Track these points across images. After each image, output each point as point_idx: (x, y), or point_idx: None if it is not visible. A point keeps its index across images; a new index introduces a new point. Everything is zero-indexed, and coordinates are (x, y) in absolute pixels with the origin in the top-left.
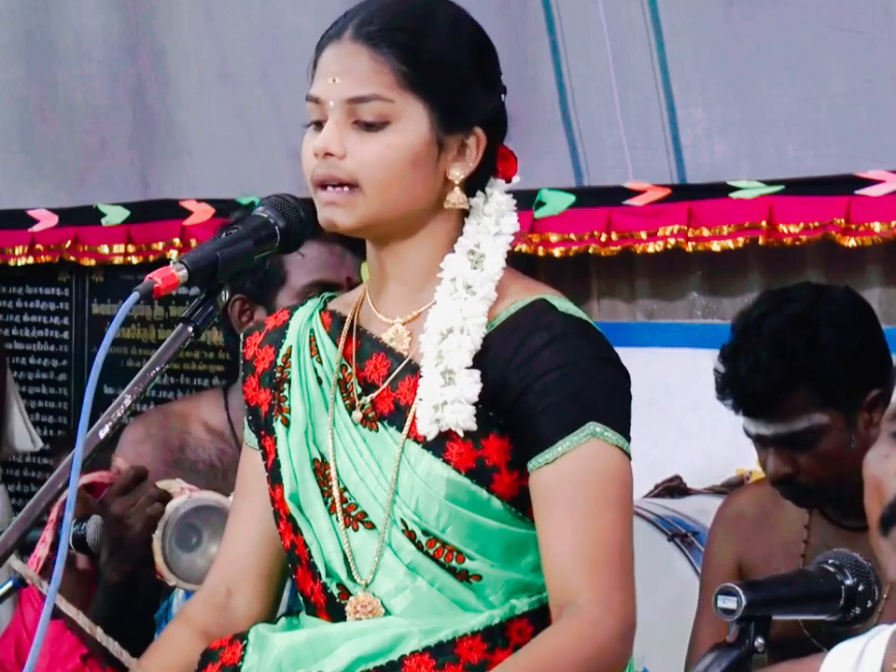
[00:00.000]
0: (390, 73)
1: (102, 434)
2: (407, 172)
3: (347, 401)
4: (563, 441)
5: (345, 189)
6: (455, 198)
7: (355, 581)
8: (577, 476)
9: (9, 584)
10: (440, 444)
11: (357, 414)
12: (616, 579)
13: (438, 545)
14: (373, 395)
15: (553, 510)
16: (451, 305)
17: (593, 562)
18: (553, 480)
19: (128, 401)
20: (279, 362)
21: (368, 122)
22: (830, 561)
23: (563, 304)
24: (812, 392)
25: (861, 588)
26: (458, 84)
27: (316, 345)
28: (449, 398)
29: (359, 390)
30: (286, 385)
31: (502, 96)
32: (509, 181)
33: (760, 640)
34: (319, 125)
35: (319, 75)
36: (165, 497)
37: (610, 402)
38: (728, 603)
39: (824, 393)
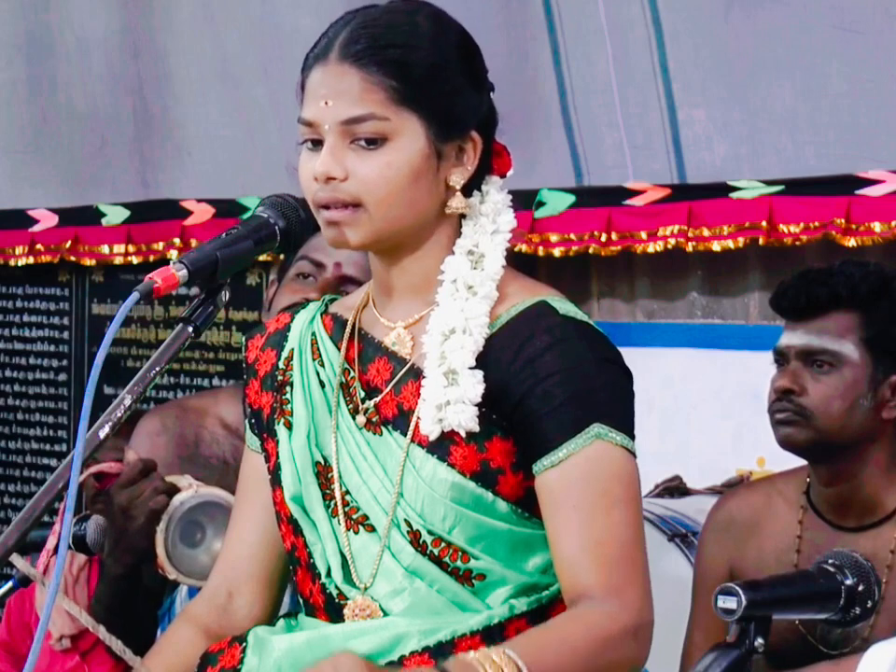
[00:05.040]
0: (382, 90)
1: (102, 434)
2: (409, 187)
3: (350, 405)
4: (567, 444)
5: (349, 208)
6: (457, 203)
7: (353, 584)
8: (583, 477)
9: (10, 584)
10: (443, 448)
11: (361, 419)
12: (629, 575)
13: (443, 545)
14: (377, 399)
15: (561, 511)
16: (453, 306)
17: (604, 559)
18: (560, 482)
19: (128, 401)
20: (281, 365)
21: (366, 141)
22: (830, 561)
23: (563, 306)
24: (856, 324)
25: (860, 588)
26: (450, 92)
27: (318, 349)
28: (452, 398)
29: (362, 394)
30: (288, 388)
31: (490, 94)
32: (503, 177)
33: (760, 640)
34: (315, 143)
35: (309, 97)
36: (172, 490)
37: (613, 403)
38: (728, 603)
39: (867, 332)
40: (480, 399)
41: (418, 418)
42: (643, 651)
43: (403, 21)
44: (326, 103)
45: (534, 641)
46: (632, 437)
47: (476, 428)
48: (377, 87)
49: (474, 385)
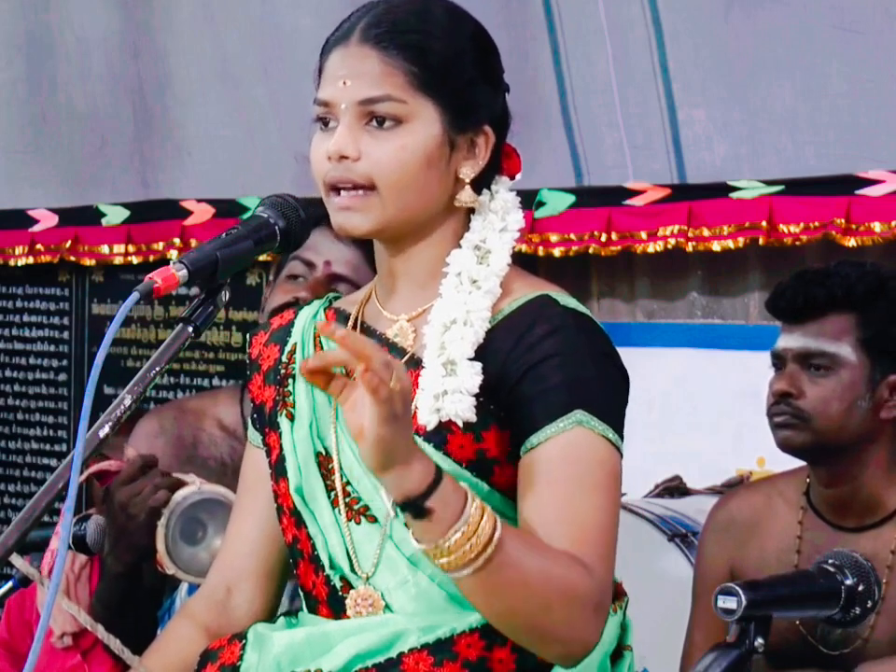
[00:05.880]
0: (401, 74)
1: (102, 434)
2: (421, 172)
3: None
4: (549, 427)
5: (360, 192)
6: (466, 196)
7: (357, 574)
8: (561, 459)
9: (10, 584)
10: (440, 437)
11: None
12: (599, 557)
13: None
14: None
15: (537, 487)
16: (455, 298)
17: (576, 536)
18: (538, 462)
19: (128, 401)
20: (284, 359)
21: (381, 122)
22: (830, 561)
23: (565, 300)
24: (853, 326)
25: (860, 588)
26: (466, 83)
27: (320, 341)
28: (449, 388)
29: None
30: (290, 381)
31: (505, 94)
32: (512, 178)
33: (760, 640)
34: (328, 125)
35: (328, 78)
36: (173, 486)
37: (601, 393)
38: (728, 603)
39: (864, 333)
40: (477, 390)
41: (416, 408)
42: (595, 629)
43: (423, 10)
44: (344, 83)
45: (516, 530)
46: (617, 431)
47: (473, 419)
48: (397, 70)
49: (472, 376)
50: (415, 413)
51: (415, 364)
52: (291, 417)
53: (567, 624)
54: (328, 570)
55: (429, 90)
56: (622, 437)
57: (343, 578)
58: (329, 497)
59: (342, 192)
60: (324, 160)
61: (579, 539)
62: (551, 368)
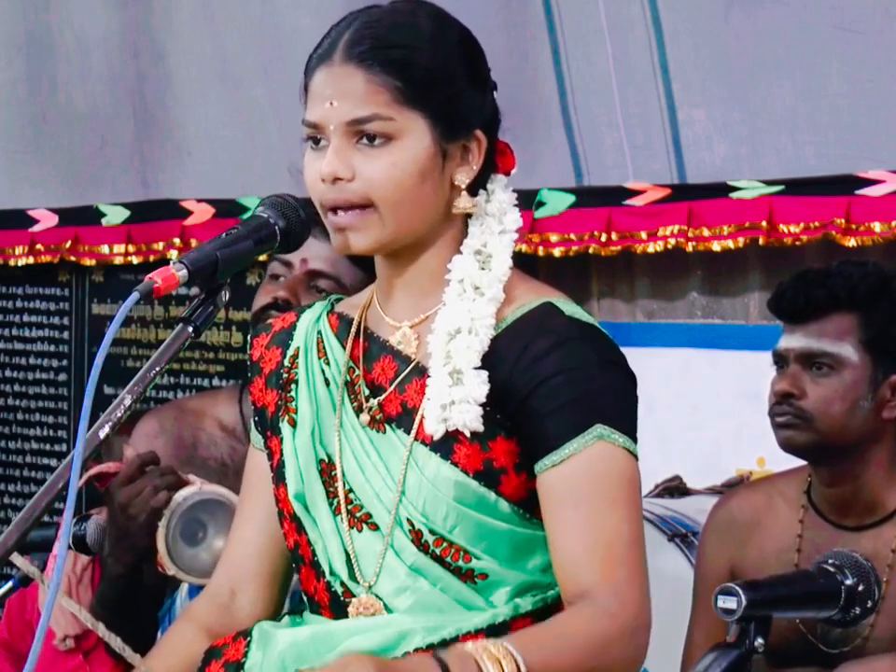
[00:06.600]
0: (386, 91)
1: (102, 434)
2: (416, 186)
3: (355, 403)
4: (570, 444)
5: (358, 210)
6: (463, 202)
7: (357, 582)
8: (584, 477)
9: (10, 584)
10: (447, 446)
11: (365, 417)
12: (629, 575)
13: (445, 544)
14: (381, 397)
15: (562, 509)
16: (459, 306)
17: (606, 559)
18: (561, 481)
19: (128, 401)
20: (286, 363)
21: (371, 140)
22: (830, 561)
23: (569, 308)
24: (855, 326)
25: (860, 588)
26: (454, 91)
27: (324, 347)
28: (457, 397)
29: (367, 392)
30: (293, 386)
31: (494, 93)
32: (508, 174)
33: (760, 640)
34: (318, 143)
35: (314, 99)
36: (173, 486)
37: (616, 404)
38: (728, 603)
39: (866, 334)
40: (484, 399)
41: (422, 416)
42: (641, 651)
43: (406, 22)
44: (331, 103)
45: (533, 636)
46: (634, 439)
47: (480, 428)
48: (382, 87)
49: (479, 385)
50: (422, 421)
51: (420, 372)
52: (293, 423)
53: (614, 668)
54: (328, 577)
55: (416, 103)
56: (637, 441)
57: (343, 584)
58: (331, 504)
59: (339, 212)
60: (318, 181)
61: (609, 563)
62: (561, 383)
